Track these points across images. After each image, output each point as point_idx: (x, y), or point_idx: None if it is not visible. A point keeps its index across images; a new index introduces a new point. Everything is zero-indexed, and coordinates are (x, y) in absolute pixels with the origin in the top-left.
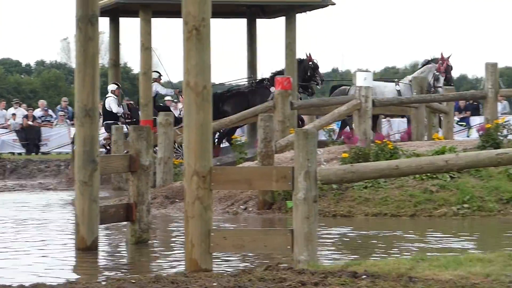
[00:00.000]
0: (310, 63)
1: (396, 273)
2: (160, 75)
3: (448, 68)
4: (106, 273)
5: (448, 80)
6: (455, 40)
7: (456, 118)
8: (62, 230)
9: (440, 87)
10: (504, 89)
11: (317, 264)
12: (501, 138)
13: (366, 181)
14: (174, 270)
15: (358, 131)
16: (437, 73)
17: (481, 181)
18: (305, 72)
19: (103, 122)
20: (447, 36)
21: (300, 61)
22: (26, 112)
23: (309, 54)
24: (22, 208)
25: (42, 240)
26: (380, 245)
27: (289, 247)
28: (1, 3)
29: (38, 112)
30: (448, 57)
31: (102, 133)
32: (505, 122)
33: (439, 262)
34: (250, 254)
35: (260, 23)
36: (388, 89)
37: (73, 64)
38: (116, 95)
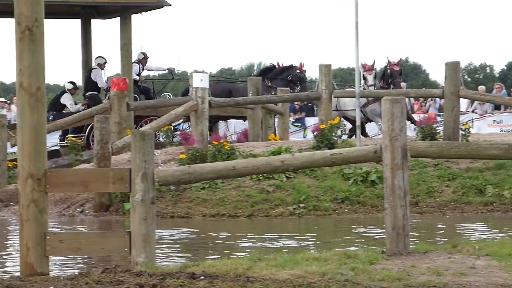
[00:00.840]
0: (298, 71)
1: (234, 273)
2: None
3: (396, 73)
4: None
5: (395, 84)
6: (292, 42)
7: (291, 119)
8: None
9: (372, 85)
10: (338, 90)
11: (155, 266)
12: (335, 138)
13: (203, 182)
14: (9, 275)
15: (195, 132)
16: (364, 73)
17: (316, 181)
18: (290, 78)
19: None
20: (285, 40)
21: (289, 67)
22: None
23: (303, 64)
24: None
25: None
26: (218, 246)
27: (126, 249)
28: None
29: None
30: (397, 62)
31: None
32: (340, 123)
33: (276, 261)
34: (88, 257)
35: (96, 23)
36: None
37: None
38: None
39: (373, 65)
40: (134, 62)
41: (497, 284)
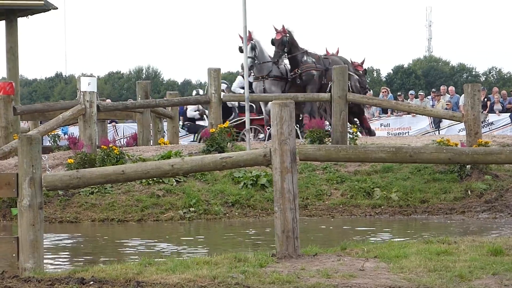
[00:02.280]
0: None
1: (123, 278)
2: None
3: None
4: None
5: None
6: (178, 45)
7: (181, 123)
8: None
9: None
10: (226, 94)
11: (43, 272)
12: (226, 142)
13: (92, 186)
14: None
15: (84, 136)
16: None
17: (207, 185)
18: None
19: None
20: (172, 43)
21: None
22: None
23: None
24: None
25: None
26: (107, 250)
27: (14, 255)
28: None
29: None
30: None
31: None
32: (229, 126)
33: (166, 266)
34: None
35: None
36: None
37: None
38: None
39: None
40: None
41: (386, 285)
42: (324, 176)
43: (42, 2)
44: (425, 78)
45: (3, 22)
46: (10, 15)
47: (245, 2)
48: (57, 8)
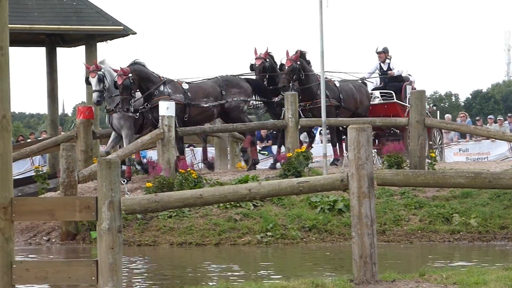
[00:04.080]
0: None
1: None
2: None
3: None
4: None
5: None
6: None
7: (258, 148)
8: None
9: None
10: (303, 118)
11: None
12: (303, 166)
13: (170, 210)
14: None
15: (162, 160)
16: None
17: (283, 209)
18: None
19: None
20: None
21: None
22: None
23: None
24: None
25: None
26: (185, 274)
27: (94, 278)
28: None
29: None
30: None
31: None
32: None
33: None
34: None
35: (60, 50)
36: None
37: None
38: None
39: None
40: None
41: None
42: (402, 201)
43: (122, 27)
44: (504, 102)
45: (83, 47)
46: (90, 40)
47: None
48: (135, 33)
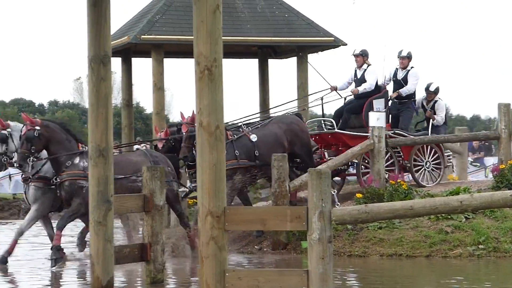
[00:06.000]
0: None
1: None
2: None
3: None
4: None
5: None
6: (467, 80)
7: (470, 159)
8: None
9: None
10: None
11: None
12: None
13: (380, 221)
14: None
15: (372, 171)
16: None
17: (496, 222)
18: None
19: None
20: (459, 76)
21: None
22: None
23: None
24: (38, 247)
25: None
26: (396, 285)
27: (304, 287)
28: (14, 43)
29: None
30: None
31: None
32: None
33: None
34: None
35: (272, 62)
36: None
37: (86, 104)
38: None
39: None
40: None
41: None
42: None
43: (333, 38)
44: None
45: (294, 58)
46: (301, 51)
47: None
48: (346, 44)
